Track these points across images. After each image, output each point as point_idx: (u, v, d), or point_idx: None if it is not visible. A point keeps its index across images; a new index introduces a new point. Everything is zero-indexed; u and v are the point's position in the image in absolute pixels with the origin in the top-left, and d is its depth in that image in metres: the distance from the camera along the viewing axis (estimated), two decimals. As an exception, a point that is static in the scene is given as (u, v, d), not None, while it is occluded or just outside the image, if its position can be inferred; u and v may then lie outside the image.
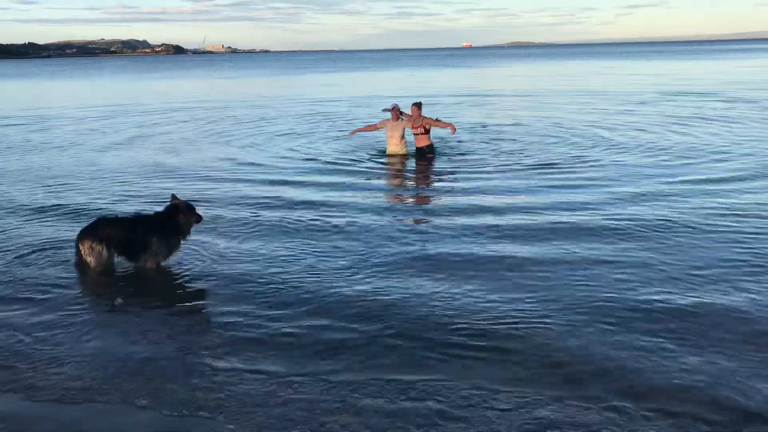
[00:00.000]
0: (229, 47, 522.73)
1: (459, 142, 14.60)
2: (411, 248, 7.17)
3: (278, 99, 30.17)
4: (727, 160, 11.76)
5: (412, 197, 10.05)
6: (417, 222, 8.34)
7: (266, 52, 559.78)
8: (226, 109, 25.06)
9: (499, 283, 6.06)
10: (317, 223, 8.23)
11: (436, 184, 10.88)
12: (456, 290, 5.93)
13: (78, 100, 33.65)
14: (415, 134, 12.91)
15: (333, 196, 9.74)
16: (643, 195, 9.32)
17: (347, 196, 9.72)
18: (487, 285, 6.03)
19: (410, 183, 11.36)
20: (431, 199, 9.83)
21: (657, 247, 6.99)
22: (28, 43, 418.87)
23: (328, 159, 13.02)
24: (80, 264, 6.54)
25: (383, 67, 78.46)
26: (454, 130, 12.75)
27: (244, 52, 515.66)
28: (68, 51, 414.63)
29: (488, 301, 5.65)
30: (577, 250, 6.91)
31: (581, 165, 11.75)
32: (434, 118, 13.09)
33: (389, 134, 12.95)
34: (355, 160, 12.83)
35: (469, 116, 20.32)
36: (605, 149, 13.36)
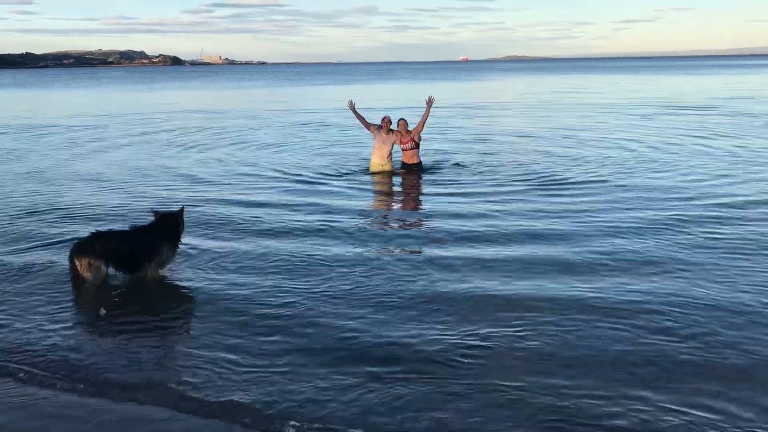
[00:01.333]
0: (227, 59, 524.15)
1: (455, 157, 14.34)
2: (403, 283, 6.61)
3: (268, 110, 30.00)
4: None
5: (400, 222, 9.38)
6: (408, 252, 7.69)
7: (263, 63, 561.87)
8: (212, 120, 24.90)
9: (495, 323, 5.53)
10: (300, 250, 7.73)
11: (427, 206, 10.34)
12: (452, 332, 5.38)
13: (67, 109, 33.51)
14: (404, 150, 12.42)
15: (311, 220, 9.11)
16: (656, 221, 8.70)
17: (331, 222, 8.98)
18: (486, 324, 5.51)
19: (398, 206, 10.80)
20: (421, 224, 9.18)
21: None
22: (26, 53, 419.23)
23: (308, 176, 12.61)
24: (75, 279, 6.50)
25: (379, 80, 78.51)
26: (431, 100, 12.15)
27: (241, 63, 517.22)
28: (66, 61, 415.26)
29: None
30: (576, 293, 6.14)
31: (587, 185, 11.24)
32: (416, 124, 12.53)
33: (378, 146, 12.36)
34: (334, 175, 12.52)
35: (465, 129, 20.12)
36: (612, 167, 12.95)
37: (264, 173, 13.12)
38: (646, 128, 19.88)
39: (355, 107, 12.42)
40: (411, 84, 64.95)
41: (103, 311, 6.01)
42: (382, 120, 12.24)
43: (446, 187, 11.48)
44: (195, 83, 78.70)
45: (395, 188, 11.84)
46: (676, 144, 16.27)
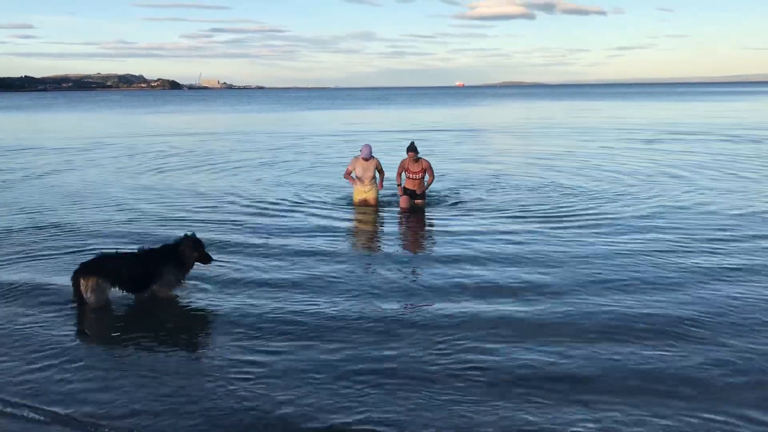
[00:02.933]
0: (225, 83, 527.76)
1: (458, 184, 14.19)
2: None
3: (260, 134, 30.05)
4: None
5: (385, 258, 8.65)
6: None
7: (261, 88, 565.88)
8: (203, 143, 24.93)
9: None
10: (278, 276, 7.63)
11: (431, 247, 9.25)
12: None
13: (58, 132, 33.50)
14: (410, 178, 11.83)
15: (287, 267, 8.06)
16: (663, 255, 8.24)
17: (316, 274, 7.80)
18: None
19: (385, 240, 10.01)
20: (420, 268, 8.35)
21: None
22: (25, 76, 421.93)
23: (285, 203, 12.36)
24: (77, 299, 6.50)
25: (375, 105, 78.95)
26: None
27: (239, 88, 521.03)
28: (64, 85, 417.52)
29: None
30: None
31: (597, 217, 10.67)
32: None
33: (359, 175, 11.88)
34: (317, 205, 12.17)
35: (465, 155, 20.13)
36: (616, 197, 12.52)
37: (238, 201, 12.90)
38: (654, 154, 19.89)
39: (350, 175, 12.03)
40: (407, 110, 65.27)
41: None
42: (362, 149, 11.83)
43: (453, 213, 11.31)
44: (192, 107, 79.10)
45: (380, 219, 11.26)
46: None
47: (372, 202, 11.99)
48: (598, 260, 8.09)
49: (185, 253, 6.80)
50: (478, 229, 10.03)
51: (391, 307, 6.55)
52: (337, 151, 22.10)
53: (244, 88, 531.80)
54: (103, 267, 6.50)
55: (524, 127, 35.84)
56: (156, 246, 6.97)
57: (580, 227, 9.97)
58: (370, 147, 11.84)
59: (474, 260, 8.23)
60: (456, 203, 12.26)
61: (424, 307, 6.53)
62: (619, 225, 10.08)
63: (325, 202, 12.44)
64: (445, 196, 12.89)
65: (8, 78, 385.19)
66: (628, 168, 16.53)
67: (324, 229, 10.10)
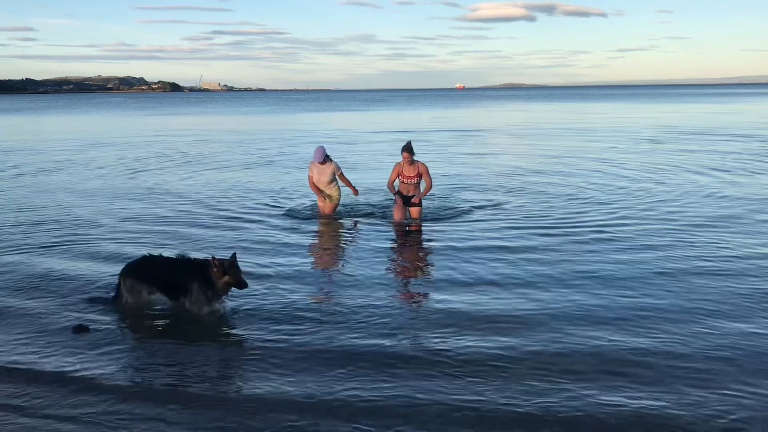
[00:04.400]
0: (226, 85, 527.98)
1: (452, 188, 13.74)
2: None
3: (250, 135, 30.17)
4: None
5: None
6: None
7: (262, 90, 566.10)
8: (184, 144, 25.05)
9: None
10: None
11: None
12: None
13: (54, 134, 33.63)
14: (404, 183, 10.47)
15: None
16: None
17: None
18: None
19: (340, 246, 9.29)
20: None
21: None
22: (26, 79, 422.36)
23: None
24: (117, 298, 6.53)
25: (375, 107, 78.97)
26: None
27: (240, 90, 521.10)
28: (65, 87, 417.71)
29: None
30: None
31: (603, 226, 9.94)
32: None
33: (316, 179, 10.80)
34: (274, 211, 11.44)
35: (462, 156, 20.27)
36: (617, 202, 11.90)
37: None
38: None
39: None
40: (406, 111, 65.31)
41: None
42: (316, 151, 10.71)
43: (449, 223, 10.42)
44: (190, 110, 79.15)
45: (345, 233, 10.19)
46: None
47: (328, 210, 10.90)
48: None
49: (213, 276, 6.19)
50: (487, 244, 9.00)
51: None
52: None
53: (245, 90, 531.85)
54: (139, 269, 6.44)
55: (525, 129, 35.95)
56: (193, 256, 6.60)
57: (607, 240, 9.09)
58: (322, 149, 10.69)
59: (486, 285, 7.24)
60: (458, 212, 11.24)
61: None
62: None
63: (286, 213, 11.34)
64: (445, 204, 11.95)
65: (9, 80, 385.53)
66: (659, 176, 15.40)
67: (275, 246, 9.02)
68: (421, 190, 10.51)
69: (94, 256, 8.52)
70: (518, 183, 14.45)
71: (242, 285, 6.26)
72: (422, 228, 10.13)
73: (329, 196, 10.87)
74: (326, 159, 10.68)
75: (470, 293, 6.91)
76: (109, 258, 8.36)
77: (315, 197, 11.22)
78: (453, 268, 7.82)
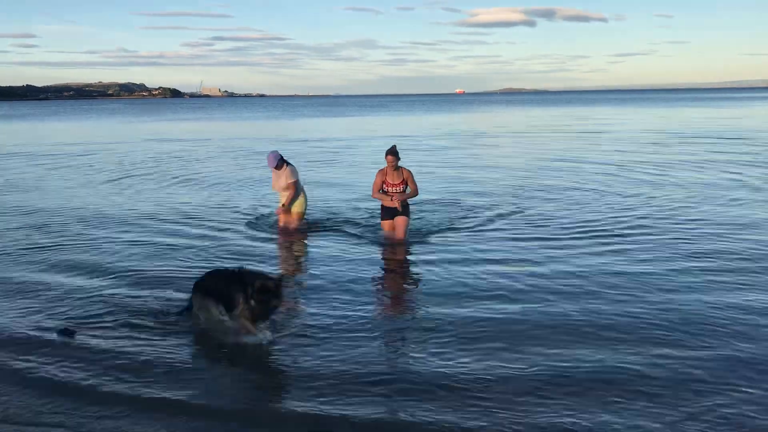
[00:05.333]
0: (226, 91, 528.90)
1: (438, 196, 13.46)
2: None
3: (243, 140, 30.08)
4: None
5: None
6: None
7: (263, 96, 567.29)
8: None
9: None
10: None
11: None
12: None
13: (47, 139, 33.56)
14: (388, 192, 9.38)
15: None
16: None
17: None
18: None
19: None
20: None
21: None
22: (26, 85, 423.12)
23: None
24: (187, 311, 6.28)
25: (374, 112, 79.01)
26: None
27: (240, 96, 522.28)
28: (66, 93, 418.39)
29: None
30: None
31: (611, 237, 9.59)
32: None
33: (273, 185, 10.22)
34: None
35: (457, 162, 20.15)
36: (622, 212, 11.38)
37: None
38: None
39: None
40: (404, 116, 65.35)
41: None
42: (269, 157, 10.07)
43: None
44: (189, 116, 79.22)
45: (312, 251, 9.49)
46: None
47: (289, 222, 10.13)
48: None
49: (252, 297, 5.64)
50: (494, 257, 8.58)
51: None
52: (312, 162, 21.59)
53: (246, 96, 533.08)
54: (201, 284, 6.09)
55: (529, 132, 35.86)
56: (249, 269, 6.16)
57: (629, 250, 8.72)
58: (275, 153, 9.97)
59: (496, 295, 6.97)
60: (464, 221, 10.78)
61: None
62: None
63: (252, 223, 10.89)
64: (451, 214, 11.48)
65: (10, 87, 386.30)
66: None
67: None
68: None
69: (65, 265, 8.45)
70: (529, 190, 14.21)
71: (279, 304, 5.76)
72: (415, 241, 9.41)
73: (289, 208, 10.10)
74: (282, 163, 9.97)
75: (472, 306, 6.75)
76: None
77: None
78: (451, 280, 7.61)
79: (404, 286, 7.82)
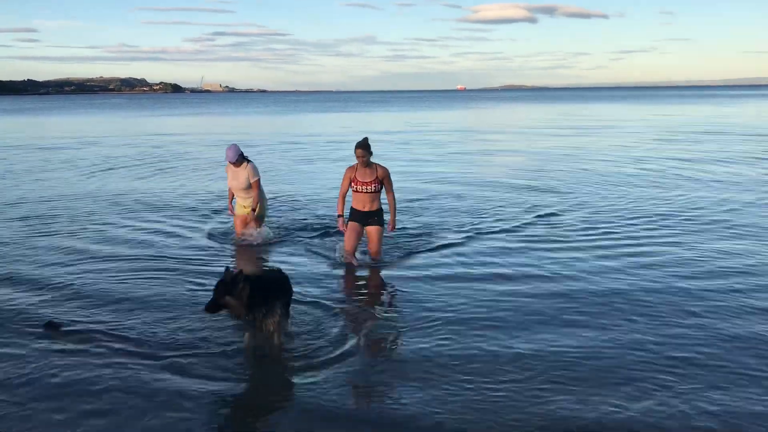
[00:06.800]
0: (227, 86, 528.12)
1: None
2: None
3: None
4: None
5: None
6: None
7: (263, 91, 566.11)
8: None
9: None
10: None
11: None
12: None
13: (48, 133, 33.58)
14: (359, 191, 7.77)
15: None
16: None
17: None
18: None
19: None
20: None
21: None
22: (27, 80, 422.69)
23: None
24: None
25: (374, 108, 78.79)
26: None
27: (241, 91, 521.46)
28: (67, 88, 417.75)
29: None
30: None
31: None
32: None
33: (229, 185, 8.96)
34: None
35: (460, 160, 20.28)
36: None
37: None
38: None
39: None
40: (404, 113, 65.05)
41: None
42: (228, 150, 8.79)
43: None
44: (188, 111, 79.02)
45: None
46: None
47: (244, 227, 8.91)
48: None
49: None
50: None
51: None
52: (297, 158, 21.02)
53: (247, 91, 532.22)
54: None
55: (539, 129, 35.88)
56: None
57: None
58: (235, 147, 8.76)
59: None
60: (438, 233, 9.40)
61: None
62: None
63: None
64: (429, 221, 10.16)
65: (11, 81, 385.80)
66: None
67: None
68: (386, 208, 7.96)
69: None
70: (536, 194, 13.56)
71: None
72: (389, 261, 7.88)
73: (246, 209, 8.91)
74: (241, 159, 8.77)
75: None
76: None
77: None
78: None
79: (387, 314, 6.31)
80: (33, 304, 6.49)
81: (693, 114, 49.85)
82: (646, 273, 7.42)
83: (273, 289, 5.23)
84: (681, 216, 10.61)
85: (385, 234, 8.02)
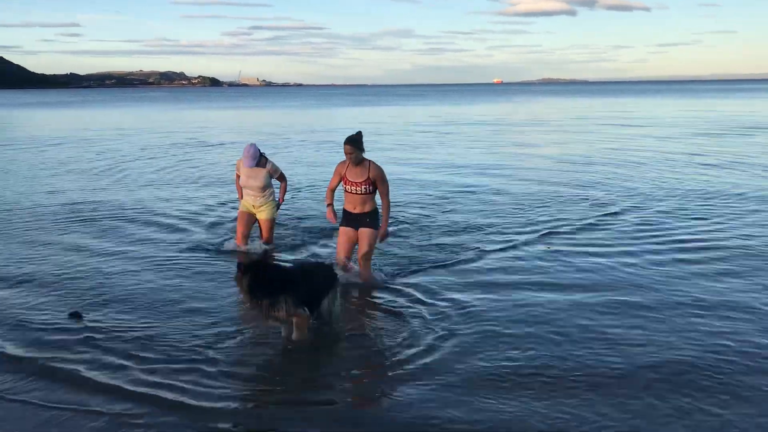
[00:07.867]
0: (264, 80, 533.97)
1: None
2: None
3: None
4: None
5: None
6: None
7: (300, 85, 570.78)
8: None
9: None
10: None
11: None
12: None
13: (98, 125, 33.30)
14: (349, 192, 6.92)
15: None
16: None
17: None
18: None
19: None
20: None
21: None
22: (70, 73, 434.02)
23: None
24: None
25: (412, 102, 77.82)
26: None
27: (278, 85, 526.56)
28: (108, 82, 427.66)
29: None
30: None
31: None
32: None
33: (243, 183, 8.23)
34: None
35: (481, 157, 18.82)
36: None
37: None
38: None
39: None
40: (437, 106, 63.95)
41: None
42: (245, 150, 8.19)
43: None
44: (227, 104, 79.18)
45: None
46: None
47: (243, 225, 8.28)
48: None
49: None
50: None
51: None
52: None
53: (284, 85, 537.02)
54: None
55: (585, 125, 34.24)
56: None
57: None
58: (253, 147, 8.12)
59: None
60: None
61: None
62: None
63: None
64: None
65: (54, 75, 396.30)
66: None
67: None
68: (379, 209, 7.02)
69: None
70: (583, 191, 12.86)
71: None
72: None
73: (261, 209, 8.24)
74: (261, 160, 8.15)
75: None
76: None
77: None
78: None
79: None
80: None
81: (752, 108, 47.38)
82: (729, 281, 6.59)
83: (282, 281, 5.06)
84: (746, 217, 9.58)
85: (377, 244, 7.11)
